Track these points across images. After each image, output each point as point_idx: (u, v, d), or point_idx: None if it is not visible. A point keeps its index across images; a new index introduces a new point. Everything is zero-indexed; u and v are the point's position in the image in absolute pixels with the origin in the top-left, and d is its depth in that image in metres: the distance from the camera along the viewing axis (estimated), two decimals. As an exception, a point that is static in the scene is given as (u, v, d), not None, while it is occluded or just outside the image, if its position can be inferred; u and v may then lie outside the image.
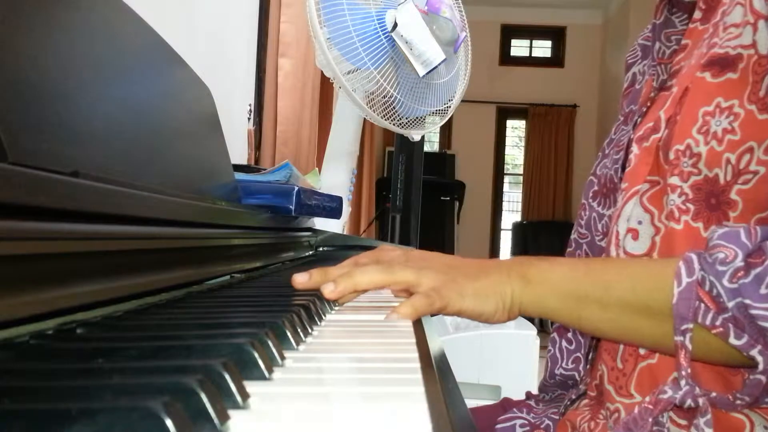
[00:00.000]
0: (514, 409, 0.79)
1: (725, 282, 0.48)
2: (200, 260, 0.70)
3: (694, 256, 0.51)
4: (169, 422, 0.25)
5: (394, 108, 1.56)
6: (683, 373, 0.51)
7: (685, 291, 0.50)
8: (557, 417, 0.74)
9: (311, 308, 0.56)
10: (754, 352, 0.48)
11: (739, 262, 0.48)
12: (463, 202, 6.54)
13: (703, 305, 0.49)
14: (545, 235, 6.50)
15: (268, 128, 2.19)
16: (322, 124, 2.68)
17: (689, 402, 0.51)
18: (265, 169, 1.30)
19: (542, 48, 7.50)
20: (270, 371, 0.37)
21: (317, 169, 1.74)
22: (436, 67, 1.50)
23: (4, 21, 0.46)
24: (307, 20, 1.42)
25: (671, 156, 0.58)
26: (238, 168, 1.13)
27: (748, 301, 0.47)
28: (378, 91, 1.50)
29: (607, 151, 0.78)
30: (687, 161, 0.57)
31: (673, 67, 0.67)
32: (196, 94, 0.93)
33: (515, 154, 7.70)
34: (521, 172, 7.47)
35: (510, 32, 7.36)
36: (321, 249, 1.38)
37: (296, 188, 1.09)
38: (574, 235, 0.81)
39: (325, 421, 0.30)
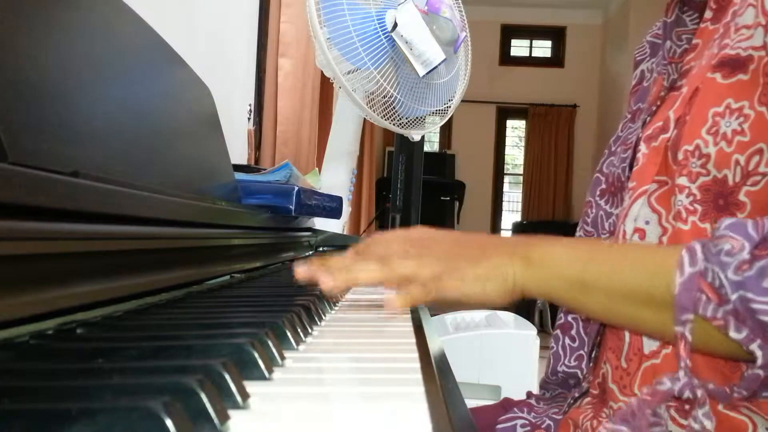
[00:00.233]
0: (515, 409, 0.79)
1: (730, 274, 0.48)
2: (200, 260, 0.70)
3: (698, 246, 0.50)
4: (169, 422, 0.25)
5: (394, 108, 1.56)
6: (682, 364, 0.51)
7: (687, 281, 0.50)
8: (558, 417, 0.74)
9: (311, 308, 0.56)
10: (754, 347, 0.48)
11: (745, 254, 0.48)
12: (463, 202, 6.54)
13: (704, 297, 0.49)
14: (545, 235, 6.49)
15: (268, 128, 2.19)
16: (322, 124, 2.68)
17: (687, 393, 0.51)
18: (265, 169, 1.30)
19: (542, 48, 7.50)
20: (270, 371, 0.37)
21: (317, 169, 1.74)
22: (436, 67, 1.50)
23: (4, 21, 0.46)
24: (307, 20, 1.42)
25: (680, 156, 0.58)
26: (238, 168, 1.13)
27: (750, 295, 0.47)
28: (378, 91, 1.50)
29: (613, 149, 0.78)
30: (696, 162, 0.57)
31: (684, 66, 0.67)
32: (196, 94, 0.93)
33: (515, 154, 7.70)
34: (521, 172, 7.47)
35: (510, 32, 7.36)
36: (321, 249, 1.38)
37: (296, 188, 1.09)
38: (579, 233, 0.81)
39: (325, 421, 0.30)
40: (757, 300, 0.47)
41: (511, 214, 7.50)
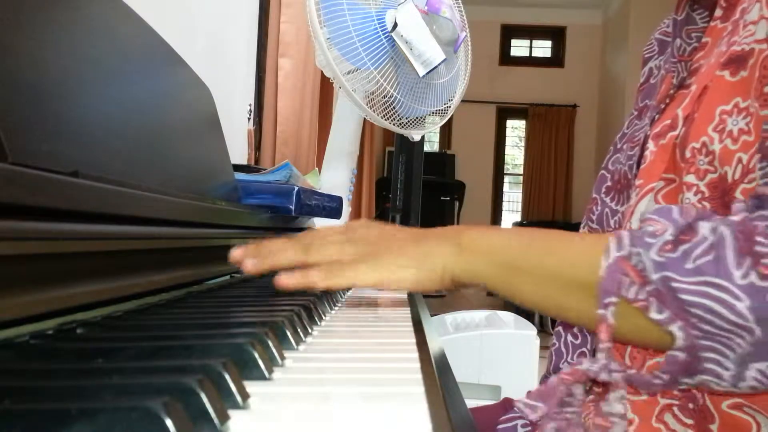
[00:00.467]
0: (515, 409, 0.79)
1: (652, 254, 0.48)
2: (200, 260, 0.70)
3: (625, 233, 0.51)
4: (169, 422, 0.25)
5: (394, 108, 1.56)
6: (602, 346, 0.51)
7: (611, 265, 0.50)
8: (558, 417, 0.74)
9: (311, 308, 0.56)
10: (674, 327, 0.48)
11: (668, 236, 0.48)
12: (463, 202, 6.54)
13: (627, 279, 0.49)
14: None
15: (268, 128, 2.19)
16: (322, 124, 2.68)
17: (604, 376, 0.51)
18: (265, 169, 1.30)
19: (542, 48, 7.50)
20: (270, 371, 0.37)
21: (317, 169, 1.74)
22: (436, 67, 1.50)
23: (4, 21, 0.46)
24: (307, 20, 1.42)
25: (687, 154, 0.58)
26: (238, 168, 1.13)
27: (672, 274, 0.47)
28: (378, 91, 1.50)
29: (619, 146, 0.78)
30: (703, 159, 0.57)
31: (693, 65, 0.67)
32: (196, 94, 0.93)
33: (515, 154, 7.70)
34: (521, 172, 7.48)
35: (510, 32, 7.36)
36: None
37: (296, 188, 1.09)
38: (584, 230, 0.81)
39: (325, 421, 0.30)
40: (679, 280, 0.47)
41: (511, 214, 7.50)
